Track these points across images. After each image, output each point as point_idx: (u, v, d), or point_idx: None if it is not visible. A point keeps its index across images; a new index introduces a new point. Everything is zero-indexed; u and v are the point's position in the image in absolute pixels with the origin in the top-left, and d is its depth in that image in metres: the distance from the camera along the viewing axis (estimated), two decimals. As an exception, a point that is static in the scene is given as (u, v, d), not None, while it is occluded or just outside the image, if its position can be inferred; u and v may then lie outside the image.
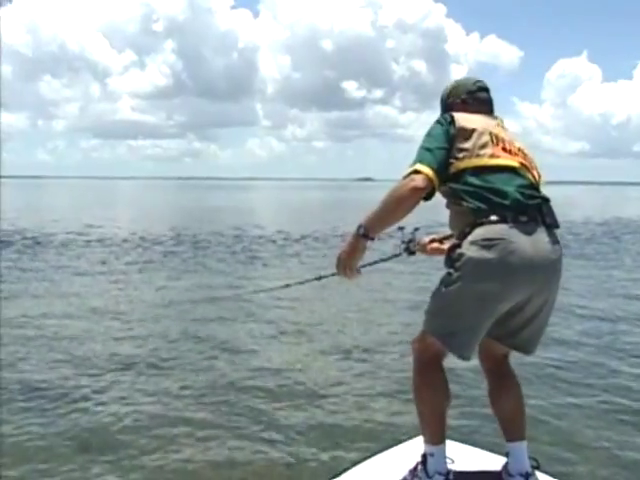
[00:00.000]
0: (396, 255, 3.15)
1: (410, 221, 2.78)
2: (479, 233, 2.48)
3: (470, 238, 2.50)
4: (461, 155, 2.59)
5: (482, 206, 2.50)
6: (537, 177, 2.71)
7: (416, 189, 2.49)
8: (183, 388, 6.25)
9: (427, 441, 2.69)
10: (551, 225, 2.59)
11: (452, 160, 2.59)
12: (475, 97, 2.89)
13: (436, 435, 2.66)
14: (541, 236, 2.51)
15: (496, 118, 2.84)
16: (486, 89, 2.93)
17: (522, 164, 2.66)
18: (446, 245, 2.91)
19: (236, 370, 6.84)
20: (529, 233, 2.47)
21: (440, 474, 2.62)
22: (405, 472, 2.55)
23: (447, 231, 2.95)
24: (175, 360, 7.22)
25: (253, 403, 5.79)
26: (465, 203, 2.55)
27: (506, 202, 2.50)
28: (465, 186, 2.55)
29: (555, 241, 2.58)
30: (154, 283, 12.57)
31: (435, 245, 3.18)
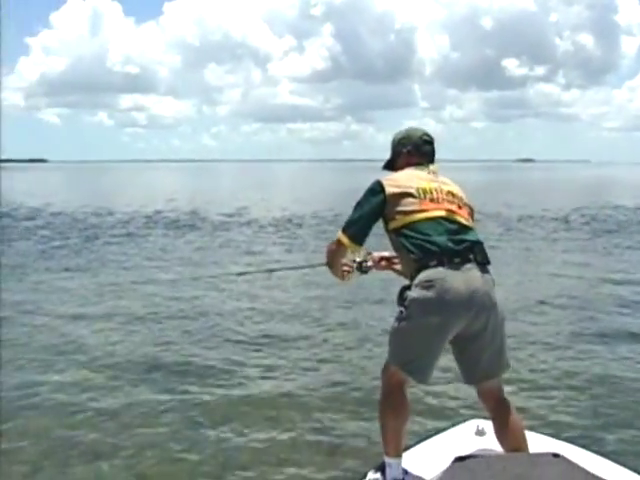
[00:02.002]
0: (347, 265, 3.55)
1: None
2: (421, 277, 2.97)
3: (415, 281, 2.99)
4: (397, 216, 3.10)
5: (421, 255, 3.00)
6: (467, 215, 3.19)
7: (337, 252, 3.31)
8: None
9: (387, 454, 3.12)
10: (482, 262, 3.03)
11: (390, 219, 3.14)
12: (419, 150, 3.38)
13: (395, 450, 3.10)
14: (473, 272, 2.97)
15: (428, 167, 3.31)
16: (430, 142, 3.43)
17: (449, 210, 3.12)
18: (396, 264, 3.52)
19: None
20: (462, 272, 2.95)
21: None
22: (456, 455, 2.59)
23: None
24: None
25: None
26: (407, 254, 3.07)
27: (439, 250, 2.98)
28: (405, 240, 3.07)
29: (485, 274, 3.02)
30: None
31: (385, 263, 3.64)
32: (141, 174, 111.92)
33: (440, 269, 2.94)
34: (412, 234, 3.04)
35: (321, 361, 6.66)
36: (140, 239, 17.10)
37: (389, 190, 3.14)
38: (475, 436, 3.44)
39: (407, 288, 3.04)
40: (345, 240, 3.21)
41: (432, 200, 3.12)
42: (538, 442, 3.36)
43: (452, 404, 5.40)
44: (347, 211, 3.28)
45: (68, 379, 6.16)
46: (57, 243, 16.27)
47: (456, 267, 2.95)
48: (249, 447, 4.76)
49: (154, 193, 42.55)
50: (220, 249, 15.24)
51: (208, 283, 10.68)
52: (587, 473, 2.23)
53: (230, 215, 23.52)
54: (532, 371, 6.22)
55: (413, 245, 3.02)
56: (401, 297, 3.04)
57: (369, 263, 3.60)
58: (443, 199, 3.15)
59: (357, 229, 3.19)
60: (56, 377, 6.22)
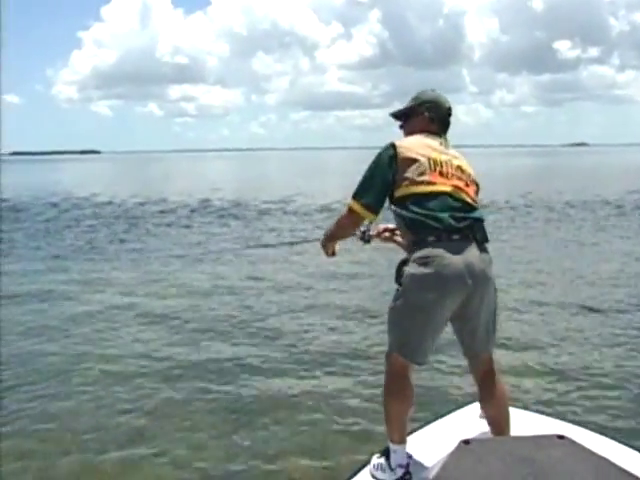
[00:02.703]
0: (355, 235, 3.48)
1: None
2: (418, 253, 2.93)
3: (412, 257, 2.96)
4: (403, 183, 3.00)
5: (421, 230, 2.95)
6: (473, 193, 3.12)
7: (351, 225, 3.18)
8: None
9: (391, 440, 3.09)
10: (481, 240, 3.00)
11: (396, 187, 3.03)
12: (442, 121, 3.28)
13: (400, 436, 3.08)
14: (471, 251, 2.93)
15: (441, 138, 3.21)
16: (451, 114, 3.33)
17: (456, 187, 3.03)
18: (397, 236, 3.47)
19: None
20: (460, 249, 2.91)
21: (401, 466, 3.05)
22: (461, 438, 2.52)
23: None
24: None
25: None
26: (407, 227, 3.02)
27: (441, 226, 2.92)
28: (408, 213, 2.99)
29: (484, 252, 3.00)
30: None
31: (387, 234, 3.57)
32: (190, 163, 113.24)
33: (438, 245, 2.92)
34: (415, 208, 2.97)
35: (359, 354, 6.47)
36: (184, 229, 17.16)
37: (401, 154, 3.03)
38: (479, 419, 3.43)
39: (404, 263, 3.02)
40: (360, 209, 3.04)
41: (441, 174, 3.04)
42: (541, 423, 3.50)
43: (454, 387, 5.39)
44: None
45: (102, 371, 6.12)
46: (102, 233, 16.43)
47: (455, 244, 2.93)
48: (282, 437, 4.74)
49: (202, 182, 42.81)
50: (263, 236, 15.14)
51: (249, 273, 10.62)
52: (592, 454, 2.17)
53: (276, 203, 23.48)
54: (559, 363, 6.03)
55: (414, 219, 2.97)
56: (398, 273, 3.03)
57: (372, 232, 3.52)
58: (452, 174, 3.07)
59: (373, 196, 3.04)
60: (88, 367, 6.21)
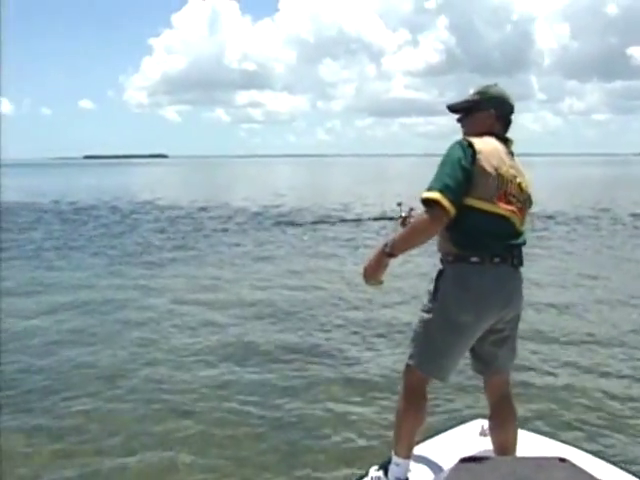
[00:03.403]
0: (392, 218, 3.58)
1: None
2: (460, 271, 2.91)
3: (451, 272, 2.93)
4: (470, 192, 2.83)
5: (468, 248, 2.89)
6: (524, 217, 3.02)
7: (438, 225, 2.82)
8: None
9: (397, 453, 3.03)
10: (518, 264, 2.98)
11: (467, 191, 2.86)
12: (505, 119, 3.11)
13: (407, 450, 3.02)
14: (509, 275, 2.95)
15: (507, 142, 3.07)
16: (513, 112, 3.15)
17: (512, 212, 2.93)
18: None
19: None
20: (500, 273, 2.91)
21: None
22: (461, 455, 2.61)
23: None
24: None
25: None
26: (455, 238, 2.91)
27: (488, 249, 2.89)
28: (462, 225, 2.86)
29: (518, 276, 3.02)
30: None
31: None
32: (256, 169, 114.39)
33: (480, 268, 2.88)
34: (471, 224, 2.87)
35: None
36: (240, 234, 17.14)
37: (480, 161, 2.85)
38: (479, 436, 3.41)
39: (441, 275, 2.96)
40: (449, 205, 2.77)
41: (505, 195, 2.91)
42: (543, 445, 3.47)
43: (455, 403, 5.35)
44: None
45: (148, 378, 6.10)
46: (160, 237, 16.56)
47: (495, 268, 2.90)
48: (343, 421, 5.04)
49: (265, 188, 42.99)
50: (319, 244, 15.00)
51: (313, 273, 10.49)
52: (592, 478, 2.21)
53: (337, 210, 23.18)
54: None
55: (466, 235, 2.88)
56: (436, 286, 2.95)
57: (412, 220, 3.25)
58: (513, 196, 2.94)
59: (456, 192, 2.80)
60: (146, 370, 6.29)
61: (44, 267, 12.24)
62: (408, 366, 3.04)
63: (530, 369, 6.15)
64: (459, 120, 3.16)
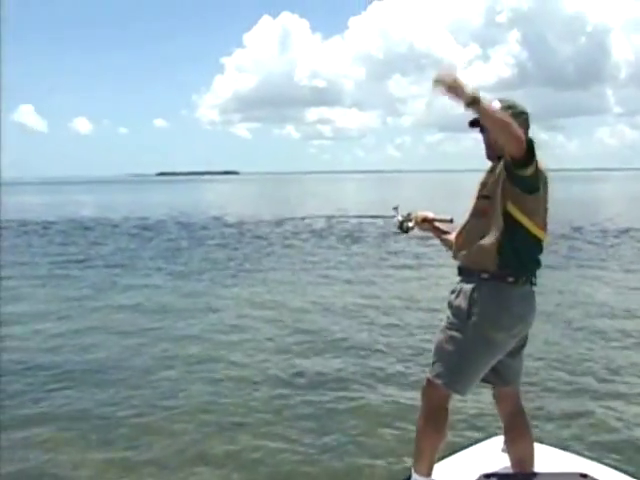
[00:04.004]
0: (386, 217, 3.67)
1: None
2: (495, 289, 2.92)
3: (488, 291, 2.92)
4: (524, 205, 2.86)
5: (510, 266, 2.91)
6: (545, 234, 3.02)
7: (519, 138, 2.69)
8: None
9: (417, 471, 3.01)
10: (535, 282, 3.02)
11: (512, 198, 2.86)
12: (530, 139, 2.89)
13: (428, 468, 2.99)
14: (531, 294, 3.02)
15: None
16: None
17: (543, 233, 2.98)
18: (438, 230, 3.44)
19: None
20: (526, 293, 2.98)
21: None
22: (482, 472, 2.67)
23: (444, 214, 3.49)
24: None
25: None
26: (504, 253, 2.89)
27: (524, 272, 2.94)
28: (514, 241, 2.88)
29: (534, 294, 3.03)
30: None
31: (427, 225, 3.47)
32: (325, 185, 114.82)
33: (514, 288, 2.92)
34: (520, 241, 2.90)
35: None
36: (305, 250, 17.21)
37: (540, 167, 2.87)
38: (500, 453, 3.35)
39: (474, 292, 2.94)
40: (528, 147, 2.74)
41: (543, 211, 2.97)
42: (563, 459, 3.44)
43: (476, 419, 5.26)
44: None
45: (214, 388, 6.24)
46: (225, 253, 16.76)
47: (523, 289, 2.96)
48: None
49: (333, 204, 43.00)
50: (380, 261, 14.83)
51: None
52: None
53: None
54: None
55: (514, 252, 2.90)
56: (469, 304, 2.93)
57: (411, 223, 3.49)
58: (544, 217, 2.99)
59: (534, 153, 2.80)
60: (193, 386, 6.30)
61: (108, 282, 12.44)
62: (430, 383, 3.02)
63: (548, 388, 6.06)
64: (481, 131, 3.07)
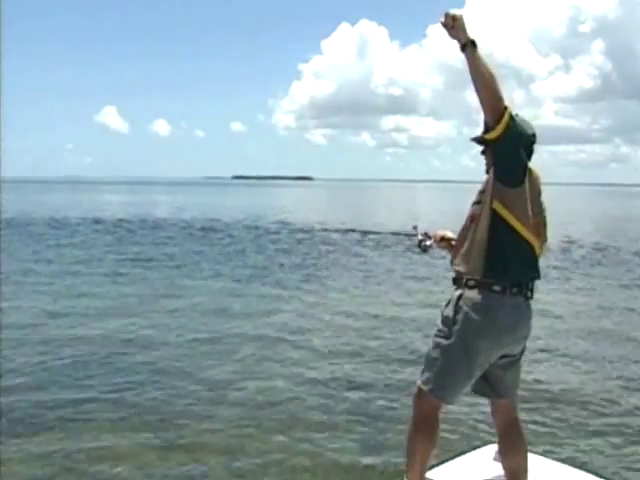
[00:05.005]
0: (408, 235, 3.72)
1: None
2: (480, 297, 2.92)
3: (472, 298, 2.93)
4: (513, 204, 2.91)
5: (495, 270, 2.91)
6: (541, 244, 3.05)
7: (499, 96, 2.81)
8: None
9: (410, 479, 3.03)
10: (530, 296, 3.03)
11: (499, 192, 2.92)
12: (531, 150, 3.03)
13: (420, 476, 3.03)
14: (522, 305, 2.98)
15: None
16: (535, 142, 3.06)
17: (534, 240, 2.99)
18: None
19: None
20: (517, 305, 2.95)
21: None
22: (476, 479, 2.90)
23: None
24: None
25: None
26: (488, 251, 2.91)
27: (511, 278, 2.93)
28: (498, 243, 2.90)
29: (530, 310, 3.04)
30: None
31: (445, 243, 3.43)
32: (398, 193, 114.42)
33: (501, 298, 2.92)
34: (506, 243, 2.92)
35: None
36: (369, 258, 16.98)
37: (531, 174, 3.04)
38: (493, 461, 3.34)
39: (460, 299, 2.97)
40: (507, 118, 2.83)
41: (532, 215, 2.97)
42: (557, 470, 3.42)
43: (469, 427, 5.24)
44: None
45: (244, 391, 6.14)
46: (286, 258, 16.63)
47: (512, 298, 2.94)
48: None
49: (403, 212, 42.47)
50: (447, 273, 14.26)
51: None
52: None
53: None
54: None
55: (501, 253, 2.92)
56: (455, 309, 2.96)
57: (428, 242, 3.53)
58: (536, 221, 3.00)
59: (519, 128, 2.92)
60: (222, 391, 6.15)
61: (164, 282, 12.52)
62: (421, 391, 3.03)
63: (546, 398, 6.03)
64: (482, 152, 3.15)
